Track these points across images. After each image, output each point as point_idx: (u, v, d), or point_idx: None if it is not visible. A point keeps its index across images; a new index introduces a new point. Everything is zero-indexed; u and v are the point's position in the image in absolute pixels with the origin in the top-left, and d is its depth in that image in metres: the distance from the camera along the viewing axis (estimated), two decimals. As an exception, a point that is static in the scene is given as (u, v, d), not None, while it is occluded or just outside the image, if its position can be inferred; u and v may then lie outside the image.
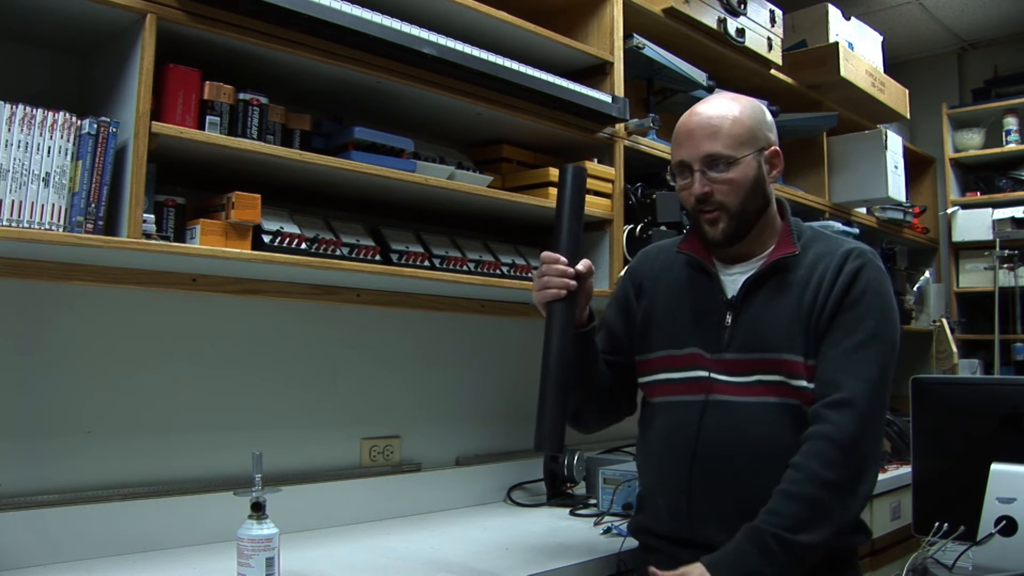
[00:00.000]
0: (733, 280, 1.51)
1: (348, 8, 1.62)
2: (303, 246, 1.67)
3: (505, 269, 2.08)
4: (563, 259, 1.46)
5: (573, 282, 1.46)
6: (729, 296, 1.50)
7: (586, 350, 1.54)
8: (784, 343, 1.42)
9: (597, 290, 2.20)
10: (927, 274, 4.27)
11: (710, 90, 2.60)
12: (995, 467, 1.55)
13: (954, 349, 3.92)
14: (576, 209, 1.51)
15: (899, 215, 3.82)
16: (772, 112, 2.83)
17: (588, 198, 2.19)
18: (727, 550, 1.34)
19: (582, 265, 1.48)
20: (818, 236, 1.53)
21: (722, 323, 1.48)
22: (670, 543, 1.50)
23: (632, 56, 2.33)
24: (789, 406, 1.42)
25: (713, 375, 1.46)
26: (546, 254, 1.47)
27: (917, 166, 4.35)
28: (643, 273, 1.64)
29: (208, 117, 1.54)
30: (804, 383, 1.41)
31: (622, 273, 2.15)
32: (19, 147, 1.32)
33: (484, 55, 1.87)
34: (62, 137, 1.36)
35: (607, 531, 1.86)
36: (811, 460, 1.34)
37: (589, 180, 2.20)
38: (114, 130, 1.40)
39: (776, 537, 1.30)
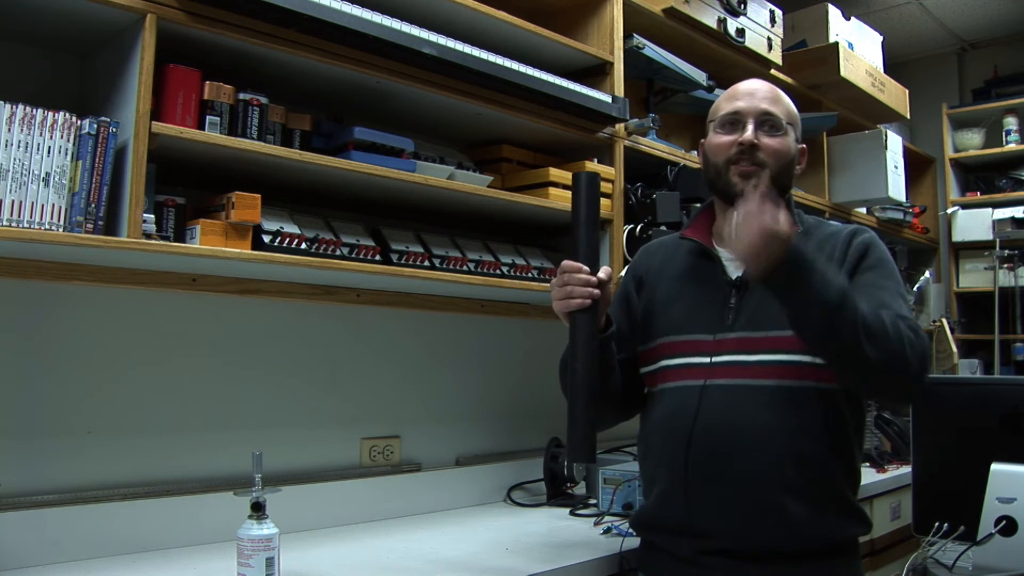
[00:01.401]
0: (735, 263, 1.51)
1: (348, 8, 1.62)
2: (303, 246, 1.67)
3: (505, 269, 2.08)
4: (585, 268, 1.45)
5: (597, 291, 1.45)
6: (734, 277, 1.50)
7: (606, 355, 1.54)
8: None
9: (597, 290, 2.21)
10: (927, 274, 4.27)
11: (710, 90, 2.60)
12: (995, 467, 1.55)
13: (954, 349, 3.92)
14: (592, 216, 1.50)
15: (899, 215, 3.82)
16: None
17: (588, 198, 2.20)
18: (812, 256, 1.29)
19: (603, 273, 1.47)
20: (820, 222, 1.58)
21: (727, 304, 1.48)
22: (667, 535, 1.50)
23: (632, 56, 2.33)
24: (790, 389, 1.41)
25: (715, 359, 1.46)
26: (567, 263, 1.46)
27: (917, 166, 4.35)
28: (643, 267, 1.64)
29: (208, 117, 1.54)
30: (815, 359, 1.40)
31: (622, 272, 2.15)
32: (19, 147, 1.32)
33: (484, 55, 1.87)
34: (62, 137, 1.36)
35: (607, 531, 1.86)
36: (904, 324, 1.32)
37: (589, 180, 2.21)
38: (114, 130, 1.40)
39: (853, 299, 1.28)
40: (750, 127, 1.48)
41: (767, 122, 1.49)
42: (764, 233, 1.24)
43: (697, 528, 1.43)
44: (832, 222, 1.59)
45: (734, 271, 1.51)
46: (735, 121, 1.50)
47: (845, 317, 1.27)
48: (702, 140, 1.58)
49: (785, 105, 1.53)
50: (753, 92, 1.53)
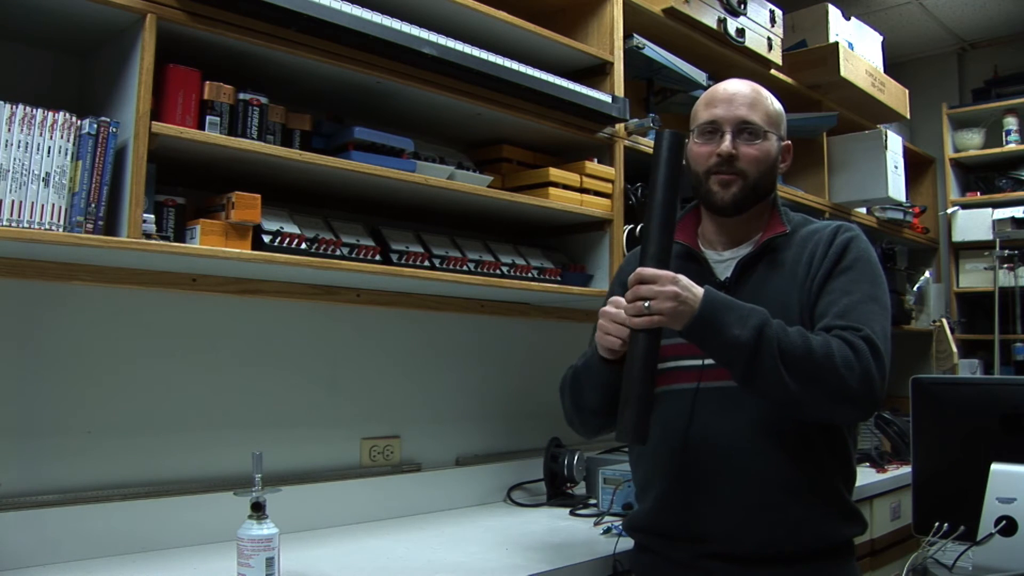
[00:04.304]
0: (725, 265, 1.52)
1: (348, 8, 1.62)
2: (303, 246, 1.67)
3: (505, 269, 2.08)
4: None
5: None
6: (722, 279, 1.50)
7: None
8: (780, 319, 1.41)
9: (596, 290, 2.22)
10: (927, 274, 4.27)
11: (710, 90, 2.59)
12: (995, 467, 1.55)
13: (954, 349, 3.92)
14: (672, 179, 1.39)
15: (899, 215, 3.82)
16: (772, 112, 2.85)
17: (588, 198, 2.20)
18: (730, 301, 1.33)
19: None
20: (806, 220, 1.57)
21: None
22: (664, 539, 1.50)
23: (632, 56, 2.33)
24: None
25: (706, 361, 1.45)
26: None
27: (917, 166, 4.35)
28: (629, 273, 1.63)
29: (208, 117, 1.54)
30: None
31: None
32: (19, 147, 1.32)
33: (484, 55, 1.87)
34: (62, 137, 1.36)
35: (607, 531, 1.86)
36: (834, 341, 1.32)
37: (588, 180, 2.21)
38: (114, 130, 1.40)
39: (771, 338, 1.29)
40: (728, 137, 1.47)
41: (746, 130, 1.47)
42: (675, 298, 1.30)
43: (695, 532, 1.43)
44: (818, 220, 1.58)
45: (722, 272, 1.51)
46: (714, 130, 1.49)
47: (761, 358, 1.29)
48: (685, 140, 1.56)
49: (765, 108, 1.50)
50: (731, 98, 1.49)
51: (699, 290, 1.33)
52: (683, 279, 1.32)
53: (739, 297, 1.45)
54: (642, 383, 1.33)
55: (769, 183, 1.51)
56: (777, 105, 1.54)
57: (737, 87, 1.52)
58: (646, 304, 1.31)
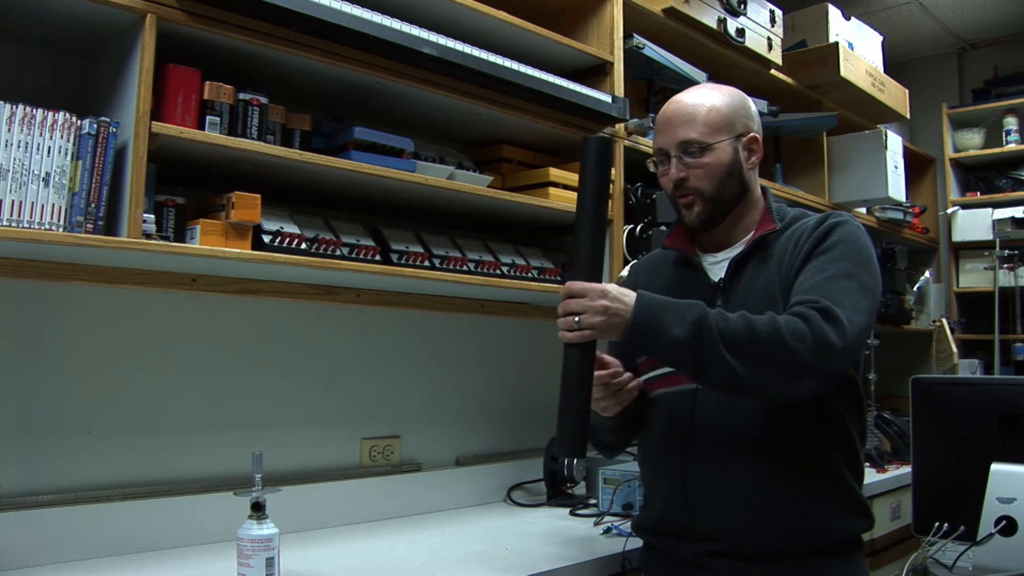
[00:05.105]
0: (719, 266, 1.52)
1: (348, 8, 1.62)
2: (303, 246, 1.67)
3: (505, 269, 2.08)
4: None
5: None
6: (716, 281, 1.50)
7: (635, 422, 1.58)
8: (744, 311, 1.38)
9: (597, 290, 2.21)
10: (927, 274, 4.27)
11: (710, 90, 2.59)
12: (995, 467, 1.55)
13: (954, 349, 3.91)
14: (601, 188, 1.39)
15: (899, 215, 3.82)
16: (772, 112, 2.85)
17: (588, 198, 2.20)
18: (666, 302, 1.33)
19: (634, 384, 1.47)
20: (803, 214, 1.55)
21: (713, 308, 1.48)
22: (670, 539, 1.50)
23: (632, 56, 2.33)
24: None
25: None
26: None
27: (917, 166, 4.36)
28: (631, 286, 1.63)
29: (208, 117, 1.54)
30: None
31: (624, 272, 2.15)
32: (19, 147, 1.32)
33: (484, 55, 1.87)
34: (62, 137, 1.36)
35: (607, 531, 1.86)
36: (782, 317, 1.30)
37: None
38: (114, 130, 1.40)
39: (711, 329, 1.28)
40: (673, 163, 1.48)
41: (687, 149, 1.46)
42: (604, 312, 1.29)
43: (700, 531, 1.44)
44: (814, 213, 1.57)
45: (716, 273, 1.52)
46: (663, 157, 1.50)
47: (705, 351, 1.28)
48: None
49: (705, 118, 1.46)
50: (668, 121, 1.49)
51: (631, 298, 1.31)
52: (613, 290, 1.32)
53: (732, 296, 1.46)
54: (578, 397, 1.34)
55: (735, 187, 1.49)
56: (727, 106, 1.49)
57: (676, 105, 1.50)
58: (576, 319, 1.31)
